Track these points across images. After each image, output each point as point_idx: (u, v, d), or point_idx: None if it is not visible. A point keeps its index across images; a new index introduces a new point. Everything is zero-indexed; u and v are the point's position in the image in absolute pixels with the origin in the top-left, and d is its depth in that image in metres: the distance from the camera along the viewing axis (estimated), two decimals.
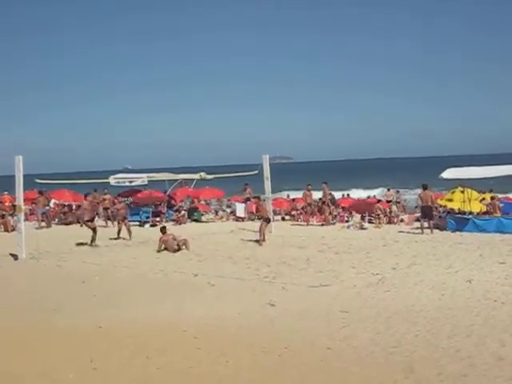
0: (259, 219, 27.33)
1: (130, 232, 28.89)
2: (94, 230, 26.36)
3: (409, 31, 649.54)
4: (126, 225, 29.15)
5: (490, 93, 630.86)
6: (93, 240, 26.12)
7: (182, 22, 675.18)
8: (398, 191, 43.66)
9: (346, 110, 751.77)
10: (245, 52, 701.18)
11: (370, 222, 33.05)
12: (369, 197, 43.45)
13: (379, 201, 36.38)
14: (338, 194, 42.59)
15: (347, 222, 34.04)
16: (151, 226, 34.95)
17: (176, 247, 23.64)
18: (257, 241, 25.90)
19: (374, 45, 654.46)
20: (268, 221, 26.65)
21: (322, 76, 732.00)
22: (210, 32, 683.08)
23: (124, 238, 28.49)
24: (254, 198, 28.69)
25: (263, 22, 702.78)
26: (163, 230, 25.20)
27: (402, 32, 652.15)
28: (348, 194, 44.83)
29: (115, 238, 28.35)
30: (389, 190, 43.89)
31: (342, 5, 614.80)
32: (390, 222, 33.35)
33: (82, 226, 28.91)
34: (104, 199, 36.78)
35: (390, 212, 35.04)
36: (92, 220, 26.76)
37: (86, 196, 28.31)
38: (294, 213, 37.70)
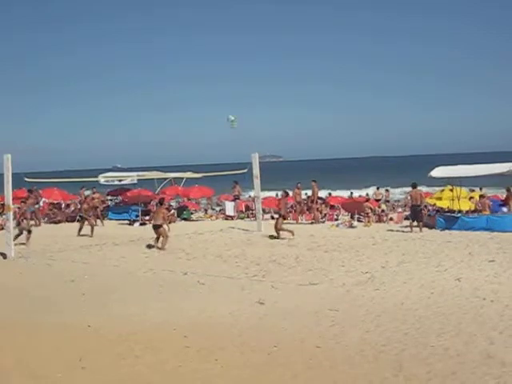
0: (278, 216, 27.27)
1: (92, 229, 29.50)
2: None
3: (409, 32, 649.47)
4: (88, 221, 29.79)
5: (495, 91, 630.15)
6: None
7: (180, 20, 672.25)
8: (387, 190, 43.57)
9: (337, 109, 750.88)
10: (234, 51, 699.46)
11: (359, 220, 33.07)
12: (360, 196, 43.37)
13: (368, 199, 36.39)
14: (325, 193, 42.64)
15: (336, 220, 34.06)
16: (141, 224, 34.89)
17: (161, 222, 24.09)
18: (274, 237, 26.63)
19: (369, 44, 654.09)
20: (284, 217, 26.87)
21: (313, 74, 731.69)
22: (208, 32, 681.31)
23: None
24: (284, 192, 28.45)
25: (260, 22, 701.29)
26: (162, 201, 26.65)
27: (401, 32, 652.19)
28: (330, 193, 44.34)
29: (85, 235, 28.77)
30: (378, 188, 43.84)
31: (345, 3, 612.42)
32: (379, 221, 33.35)
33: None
34: (93, 198, 36.72)
35: (382, 211, 35.01)
36: None
37: None
38: None
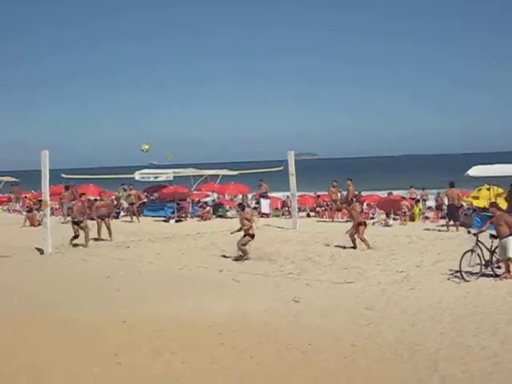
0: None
1: (110, 232, 26.88)
2: None
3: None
4: (106, 224, 26.96)
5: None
6: None
7: (203, 18, 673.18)
8: (423, 188, 43.19)
9: (371, 108, 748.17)
10: (273, 48, 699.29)
11: (394, 219, 32.83)
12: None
13: (404, 198, 36.14)
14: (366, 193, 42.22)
15: (372, 218, 33.83)
16: (176, 221, 35.00)
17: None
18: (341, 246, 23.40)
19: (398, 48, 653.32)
20: (364, 224, 23.78)
21: (347, 74, 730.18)
22: (239, 27, 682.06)
23: (104, 239, 26.59)
24: (346, 202, 27.33)
25: (286, 19, 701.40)
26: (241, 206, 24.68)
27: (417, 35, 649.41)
28: (359, 192, 43.15)
29: (96, 239, 26.36)
30: (411, 187, 43.42)
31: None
32: (412, 220, 33.05)
33: None
34: (129, 194, 36.90)
35: (420, 210, 34.73)
36: None
37: None
38: (318, 209, 37.55)
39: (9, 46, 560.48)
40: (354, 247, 22.64)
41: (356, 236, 22.94)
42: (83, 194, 29.36)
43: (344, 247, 22.60)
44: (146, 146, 36.77)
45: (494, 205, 18.31)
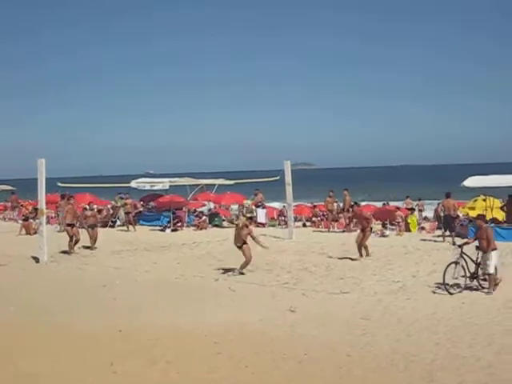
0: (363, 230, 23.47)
1: (94, 241, 26.65)
2: None
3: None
4: (89, 233, 26.63)
5: None
6: None
7: (201, 22, 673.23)
8: (419, 199, 43.29)
9: (368, 116, 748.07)
10: (265, 54, 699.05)
11: (391, 229, 32.82)
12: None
13: (398, 208, 36.17)
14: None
15: None
16: (172, 230, 34.96)
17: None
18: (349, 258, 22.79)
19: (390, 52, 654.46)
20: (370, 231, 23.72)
21: (346, 81, 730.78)
22: (232, 33, 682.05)
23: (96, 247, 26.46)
24: (354, 204, 27.47)
25: (284, 23, 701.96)
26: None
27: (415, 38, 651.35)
28: (355, 203, 42.67)
29: (88, 247, 26.33)
30: (407, 197, 43.51)
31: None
32: (408, 230, 33.03)
33: None
34: (125, 203, 36.84)
35: (416, 220, 34.71)
36: None
37: None
38: (315, 219, 37.53)
39: (8, 48, 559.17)
40: (362, 255, 22.53)
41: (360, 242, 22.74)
42: (71, 196, 29.44)
43: (339, 258, 22.60)
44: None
45: (480, 217, 18.26)
